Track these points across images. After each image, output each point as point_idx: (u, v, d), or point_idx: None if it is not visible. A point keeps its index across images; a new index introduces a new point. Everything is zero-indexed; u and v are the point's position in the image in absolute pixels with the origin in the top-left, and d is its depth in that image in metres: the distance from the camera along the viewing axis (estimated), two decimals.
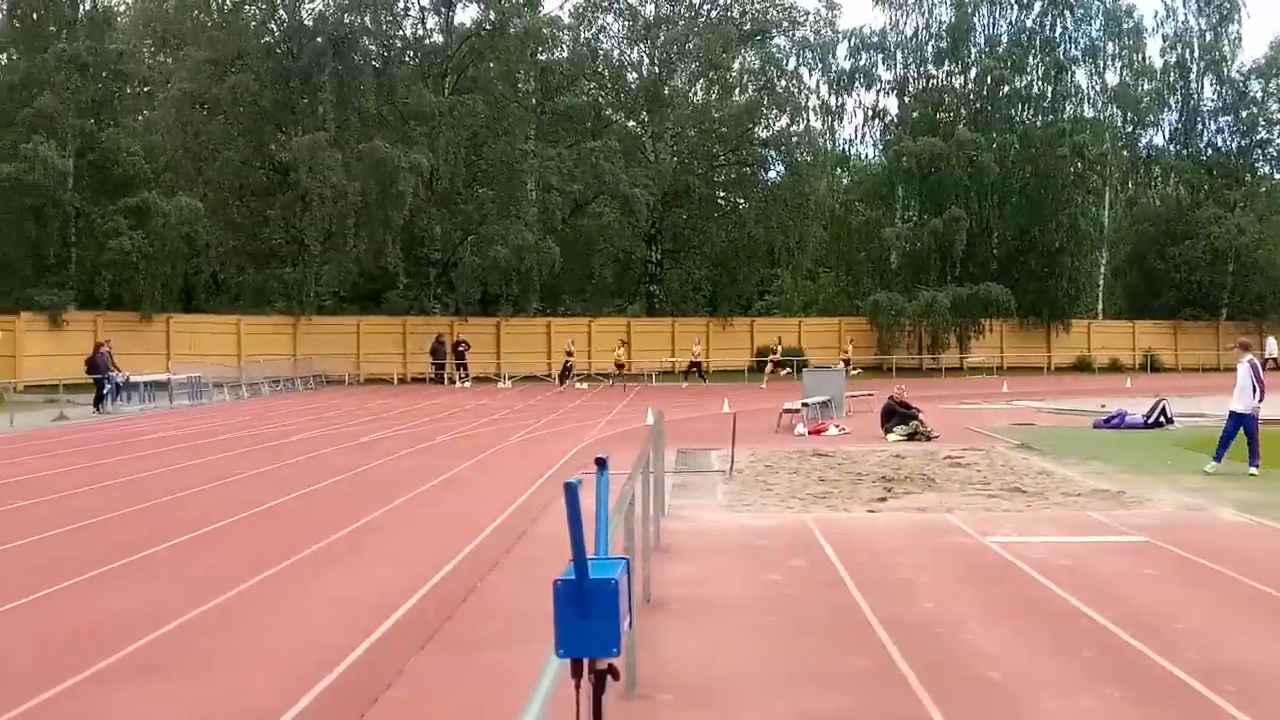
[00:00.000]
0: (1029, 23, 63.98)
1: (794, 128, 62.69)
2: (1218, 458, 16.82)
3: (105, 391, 34.18)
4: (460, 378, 49.38)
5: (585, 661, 3.73)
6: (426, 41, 60.43)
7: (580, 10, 63.58)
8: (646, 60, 64.36)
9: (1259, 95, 69.12)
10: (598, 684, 3.81)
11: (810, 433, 24.29)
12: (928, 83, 63.84)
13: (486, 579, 10.09)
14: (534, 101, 59.25)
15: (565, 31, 61.71)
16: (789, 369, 46.52)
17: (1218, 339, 62.13)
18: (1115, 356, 61.73)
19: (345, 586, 9.93)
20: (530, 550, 11.36)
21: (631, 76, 64.84)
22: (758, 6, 64.77)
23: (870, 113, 65.18)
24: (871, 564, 10.56)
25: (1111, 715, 6.45)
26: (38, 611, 9.00)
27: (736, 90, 64.47)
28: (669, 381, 48.97)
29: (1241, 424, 16.89)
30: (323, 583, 10.07)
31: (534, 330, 55.34)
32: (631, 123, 64.88)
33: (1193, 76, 68.42)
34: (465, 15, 59.80)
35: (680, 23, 63.05)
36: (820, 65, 64.61)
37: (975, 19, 63.66)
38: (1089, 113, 65.35)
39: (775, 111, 62.74)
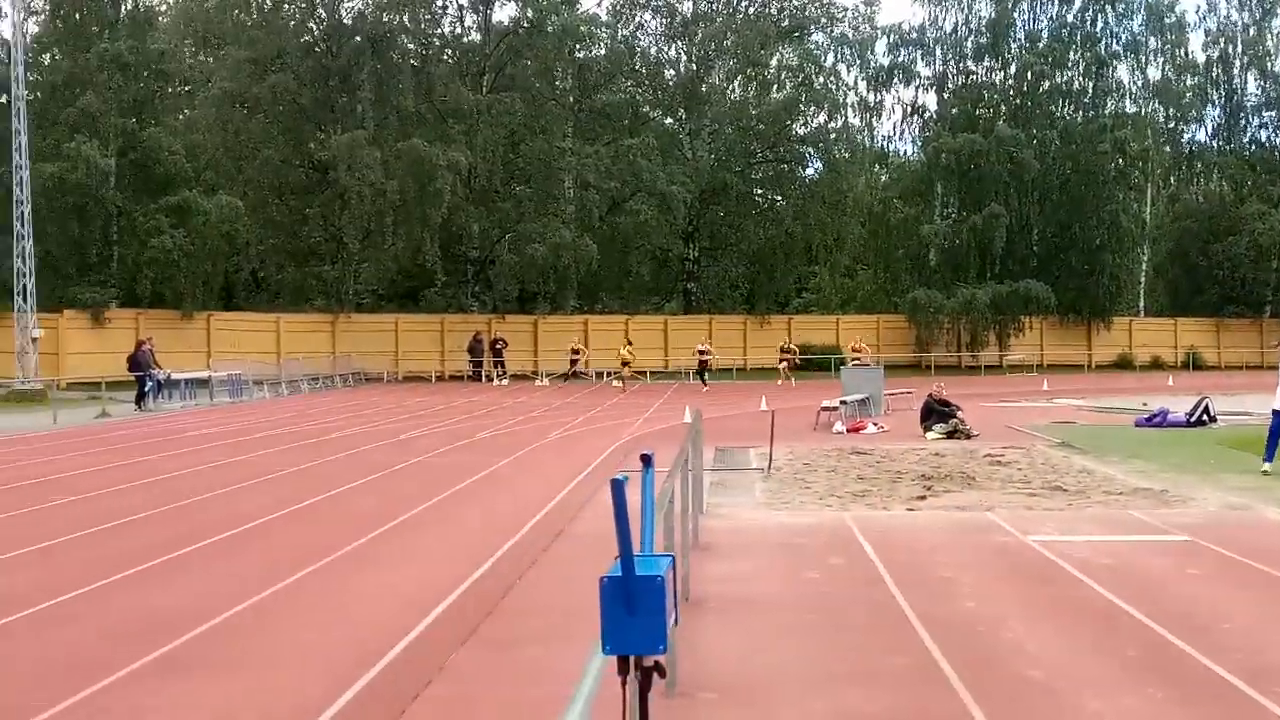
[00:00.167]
0: (1070, 18, 63.56)
1: (832, 124, 62.62)
2: (1269, 457, 16.59)
3: (147, 389, 34.48)
4: (498, 375, 49.50)
5: (631, 658, 3.72)
6: (464, 40, 60.69)
7: (618, 8, 63.65)
8: (684, 57, 64.35)
9: None
10: (644, 681, 3.81)
11: (848, 430, 24.20)
12: (967, 78, 63.53)
13: (526, 576, 10.10)
14: (571, 99, 59.35)
15: (603, 29, 61.78)
16: (791, 365, 46.22)
17: (1261, 336, 61.55)
18: (1157, 354, 61.25)
19: (385, 583, 9.96)
20: (569, 548, 11.37)
21: (669, 74, 64.83)
22: (796, 3, 64.59)
23: (909, 109, 65.03)
24: (911, 562, 10.50)
25: (1156, 716, 6.38)
26: (80, 608, 9.08)
27: (774, 87, 64.30)
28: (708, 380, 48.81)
29: None
30: (362, 579, 10.11)
31: (571, 328, 55.39)
32: (669, 120, 64.87)
33: (1236, 72, 67.83)
34: (503, 13, 60.32)
35: (718, 19, 62.96)
36: (859, 61, 64.37)
37: (1015, 14, 63.31)
38: (1131, 108, 64.85)
39: (813, 108, 62.61)
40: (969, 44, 63.12)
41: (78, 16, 49.38)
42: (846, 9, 65.80)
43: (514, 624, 8.48)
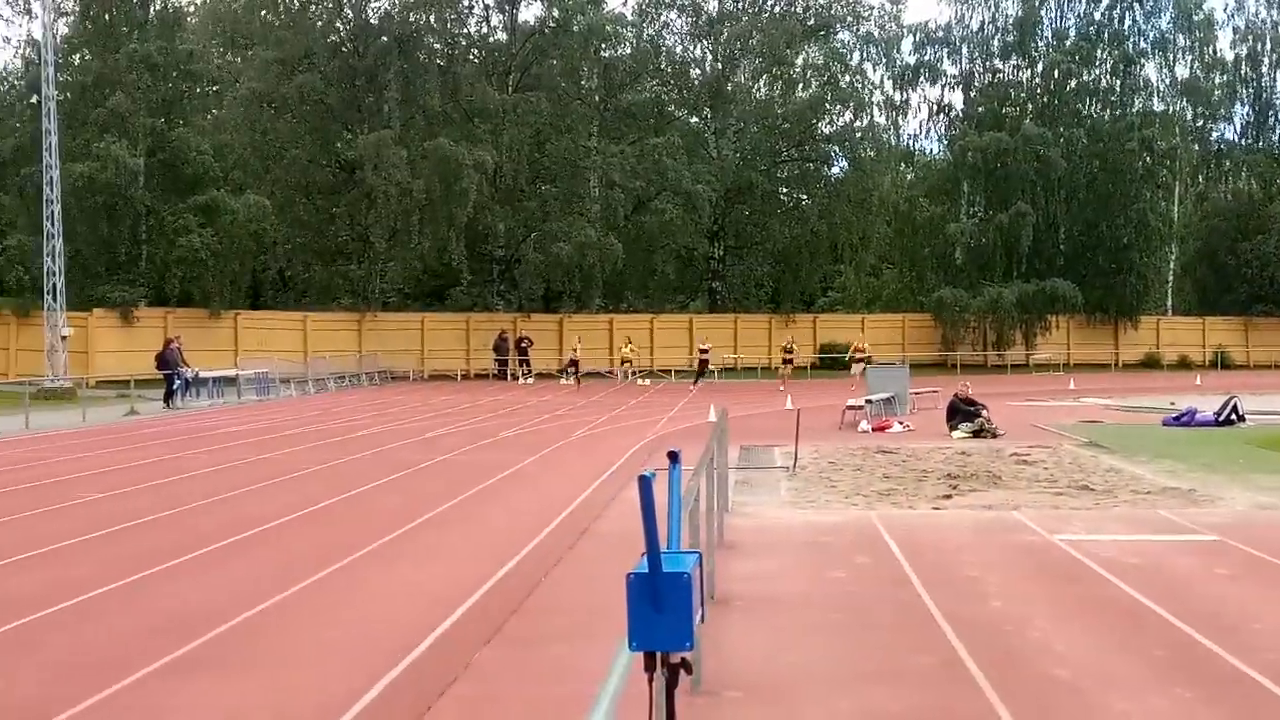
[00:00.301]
0: (1097, 16, 63.27)
1: (858, 123, 62.39)
2: None
3: (175, 387, 34.67)
4: (523, 374, 49.57)
5: (658, 655, 3.73)
6: (490, 39, 60.82)
7: (643, 7, 63.53)
8: (709, 56, 64.26)
9: None
10: (670, 678, 3.82)
11: (874, 430, 24.15)
12: (994, 77, 63.31)
13: (551, 574, 10.12)
14: (597, 98, 59.39)
15: (628, 28, 61.72)
16: (791, 364, 46.02)
17: None
18: (1185, 353, 60.86)
19: (410, 581, 10.00)
20: (594, 547, 11.39)
21: (694, 72, 64.76)
22: (821, 1, 64.30)
23: (935, 107, 64.79)
24: (937, 561, 10.48)
25: (1184, 716, 6.36)
26: (104, 605, 9.14)
27: (800, 86, 64.13)
28: (732, 379, 48.81)
29: None
30: (388, 577, 10.15)
31: (597, 327, 55.41)
32: (694, 119, 64.82)
33: (1265, 69, 67.38)
34: (529, 13, 59.99)
35: (743, 18, 62.86)
36: (884, 60, 64.18)
37: (1043, 12, 63.09)
38: (1158, 106, 64.51)
39: (839, 107, 62.44)
40: (996, 42, 62.93)
41: (107, 17, 49.71)
42: (872, 7, 65.58)
43: (539, 622, 8.51)
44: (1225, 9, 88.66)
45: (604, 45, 58.24)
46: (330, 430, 25.54)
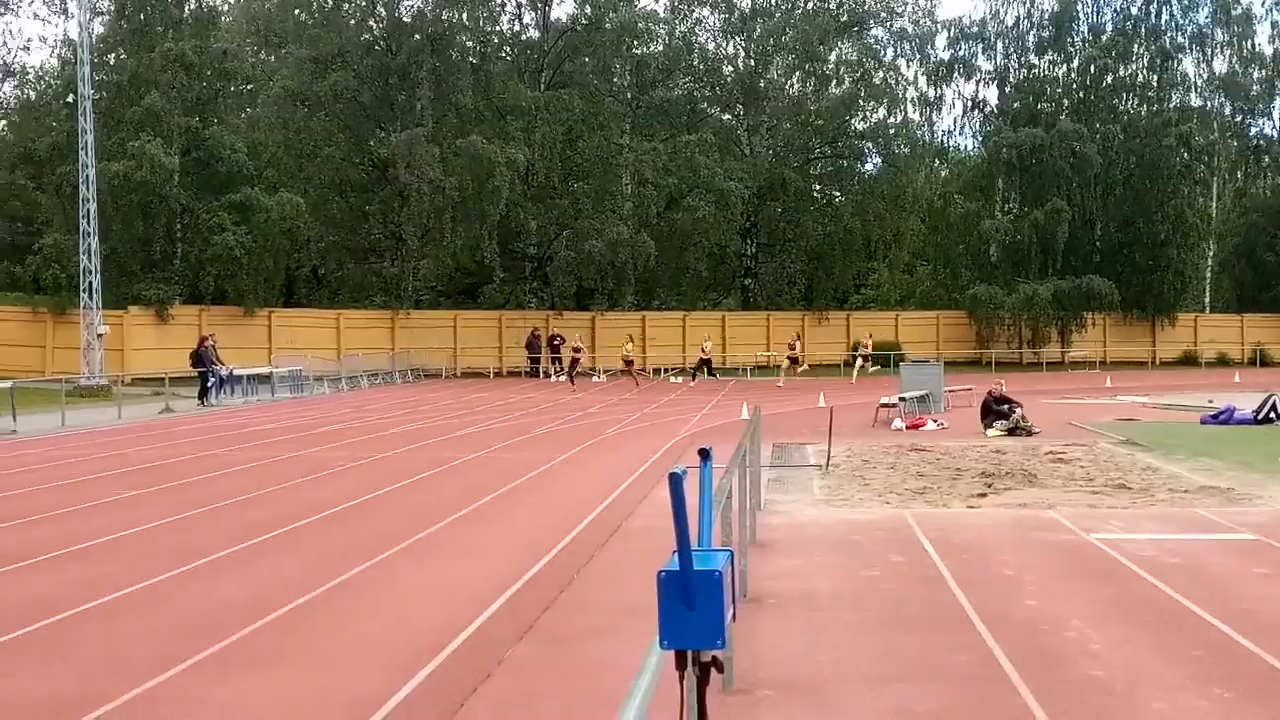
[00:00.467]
0: (1134, 10, 62.90)
1: (891, 119, 62.25)
2: None
3: (210, 384, 34.89)
4: (555, 371, 49.62)
5: (689, 654, 3.70)
6: (523, 37, 60.98)
7: (676, 4, 63.56)
8: (742, 53, 64.17)
9: None
10: (702, 676, 3.78)
11: (908, 427, 24.04)
12: (1029, 72, 62.96)
13: (582, 572, 10.11)
14: (629, 96, 59.42)
15: (661, 25, 61.73)
16: (800, 364, 45.59)
17: None
18: (1223, 351, 60.35)
19: (442, 578, 10.02)
20: (626, 545, 11.37)
21: (727, 69, 64.69)
22: None
23: (969, 104, 64.59)
24: (972, 560, 10.40)
25: (1223, 716, 6.27)
26: (146, 599, 9.19)
27: (833, 82, 63.93)
28: (765, 377, 48.67)
29: None
30: (422, 573, 10.17)
31: (629, 324, 55.45)
32: (727, 116, 64.74)
33: None
34: (561, 10, 60.21)
35: (776, 15, 62.74)
36: (918, 56, 64.00)
37: (1079, 7, 62.74)
38: (1196, 102, 64.08)
39: (872, 103, 62.31)
40: (1031, 38, 62.59)
41: (142, 17, 50.09)
42: (906, 3, 65.50)
43: (571, 619, 8.49)
44: (1264, 3, 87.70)
45: (636, 42, 58.26)
46: (364, 428, 25.63)
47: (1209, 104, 64.82)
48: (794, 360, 44.69)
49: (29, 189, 53.62)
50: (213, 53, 50.03)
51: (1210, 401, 29.19)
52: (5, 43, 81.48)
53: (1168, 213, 59.30)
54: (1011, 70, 63.12)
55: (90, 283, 40.43)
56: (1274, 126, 69.00)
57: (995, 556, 10.59)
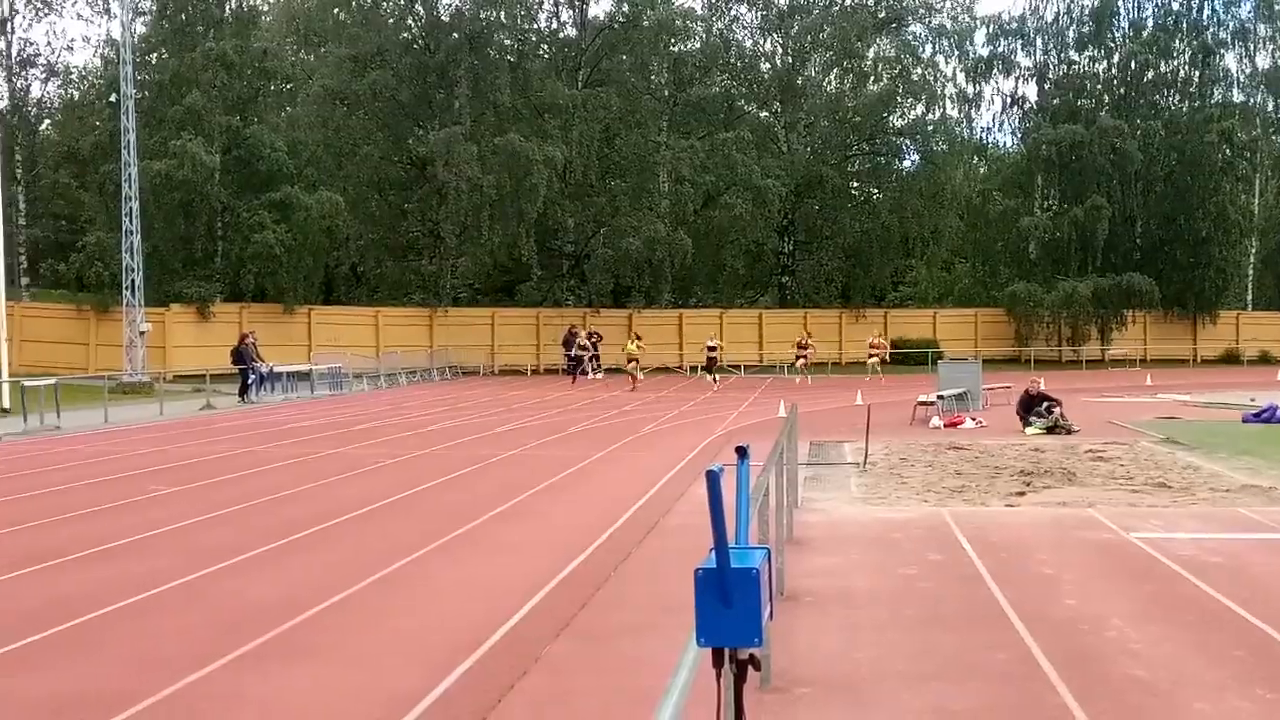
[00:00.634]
0: (1175, 6, 62.32)
1: (929, 116, 61.89)
2: None
3: (250, 381, 35.13)
4: (592, 369, 49.64)
5: (726, 651, 3.70)
6: (560, 35, 61.07)
7: (713, 1, 63.45)
8: (780, 50, 64.01)
9: None
10: (739, 674, 3.79)
11: (945, 425, 23.93)
12: (1069, 69, 62.50)
13: (620, 569, 10.12)
14: (666, 93, 59.40)
15: (698, 23, 61.69)
16: (806, 361, 45.18)
17: None
18: (1265, 349, 59.71)
19: (480, 574, 10.05)
20: (662, 542, 11.37)
21: (764, 67, 64.53)
22: None
23: (1009, 100, 64.19)
24: (1010, 559, 10.35)
25: (1266, 717, 6.22)
26: (184, 595, 9.28)
27: (871, 79, 63.62)
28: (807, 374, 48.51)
29: None
30: (459, 570, 10.21)
31: (666, 322, 55.43)
32: (764, 113, 64.56)
33: None
34: (598, 8, 60.28)
35: (814, 12, 62.50)
36: (957, 52, 63.62)
37: (1119, 3, 62.21)
38: (1238, 98, 63.39)
39: (910, 100, 61.98)
40: (1071, 33, 62.13)
41: (184, 17, 50.43)
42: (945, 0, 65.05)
43: (608, 616, 8.51)
44: None
45: (674, 40, 58.27)
46: (402, 425, 25.75)
47: (1251, 100, 64.12)
48: (802, 359, 44.81)
49: (72, 188, 54.18)
50: (253, 52, 50.36)
51: (1252, 400, 28.88)
52: (49, 43, 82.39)
53: (1209, 209, 58.73)
54: (1051, 66, 62.69)
55: (133, 280, 40.76)
56: None
57: (1034, 555, 10.53)
